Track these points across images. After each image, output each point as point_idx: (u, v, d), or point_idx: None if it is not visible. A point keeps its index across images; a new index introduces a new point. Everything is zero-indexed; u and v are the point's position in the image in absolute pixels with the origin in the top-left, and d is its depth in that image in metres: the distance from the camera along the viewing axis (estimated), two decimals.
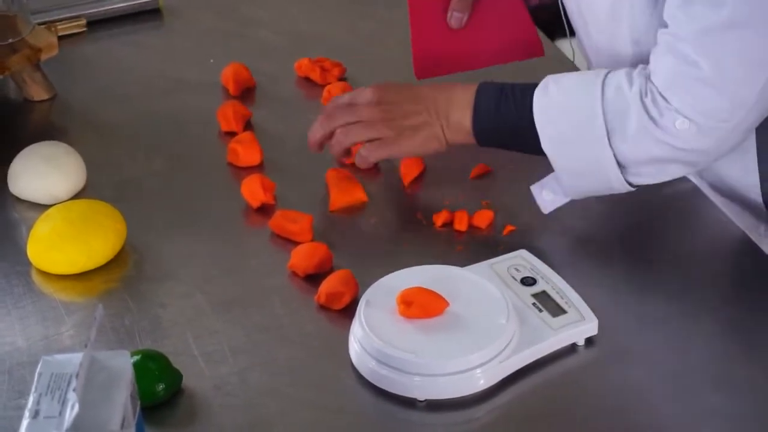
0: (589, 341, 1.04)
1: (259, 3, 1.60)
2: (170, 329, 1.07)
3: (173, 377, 0.99)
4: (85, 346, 0.83)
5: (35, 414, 0.81)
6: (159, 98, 1.41)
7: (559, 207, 1.18)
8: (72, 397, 0.80)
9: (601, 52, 1.19)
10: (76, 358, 0.84)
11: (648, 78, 1.08)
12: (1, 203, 1.24)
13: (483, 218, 1.19)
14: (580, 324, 1.04)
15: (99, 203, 1.17)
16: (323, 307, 1.09)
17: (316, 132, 1.21)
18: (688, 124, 1.06)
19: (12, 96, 1.42)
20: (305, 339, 1.06)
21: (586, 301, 1.05)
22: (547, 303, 1.05)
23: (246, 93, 1.41)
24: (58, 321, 1.08)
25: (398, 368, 0.99)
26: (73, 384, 0.81)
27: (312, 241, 1.16)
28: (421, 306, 1.01)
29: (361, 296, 1.05)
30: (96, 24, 1.55)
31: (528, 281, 1.08)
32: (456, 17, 1.26)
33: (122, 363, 0.86)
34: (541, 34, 1.49)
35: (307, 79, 1.44)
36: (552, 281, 1.07)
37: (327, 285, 1.09)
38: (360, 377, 1.01)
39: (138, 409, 0.87)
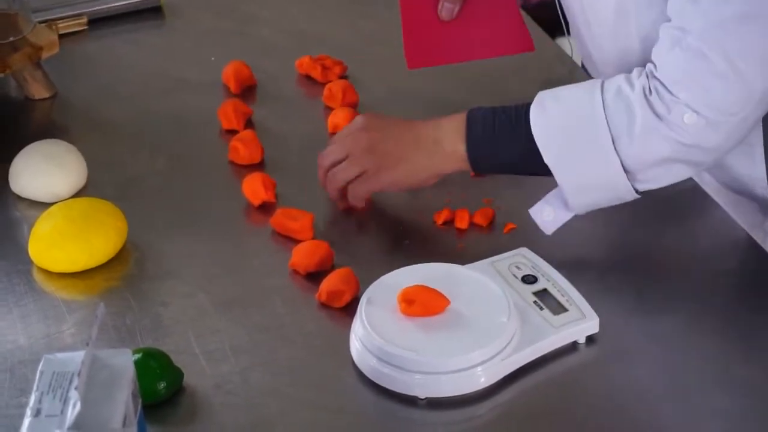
0: (590, 339, 1.05)
1: (259, 1, 1.60)
2: (171, 328, 1.07)
3: (174, 376, 0.99)
4: (87, 344, 0.83)
5: (37, 412, 0.81)
6: (160, 96, 1.41)
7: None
8: (74, 395, 0.80)
9: (606, 51, 1.18)
10: (78, 356, 0.84)
11: (651, 75, 1.08)
12: (3, 201, 1.24)
13: (484, 216, 1.19)
14: (581, 322, 1.04)
15: (100, 201, 1.17)
16: (324, 306, 1.09)
17: (320, 176, 1.20)
18: (696, 118, 1.05)
19: (13, 94, 1.42)
20: (306, 337, 1.06)
21: (587, 299, 1.05)
22: (548, 301, 1.05)
23: (247, 91, 1.41)
24: (59, 319, 1.08)
25: (399, 366, 0.99)
26: (75, 382, 0.81)
27: (313, 239, 1.16)
28: (423, 304, 1.01)
29: (362, 294, 1.05)
30: (97, 22, 1.55)
31: (529, 279, 1.08)
32: (447, 8, 1.26)
33: (124, 361, 0.86)
34: (541, 32, 1.50)
35: (308, 77, 1.44)
36: (553, 279, 1.07)
37: (328, 283, 1.09)
38: (361, 375, 1.01)
39: (139, 407, 0.88)
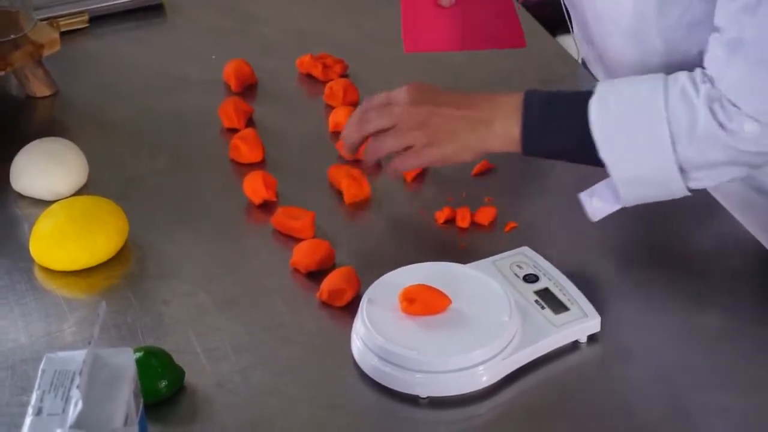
0: (592, 338, 1.05)
1: (260, 0, 1.60)
2: (172, 326, 1.07)
3: (175, 374, 0.99)
4: (89, 343, 0.83)
5: (39, 411, 0.81)
6: (161, 94, 1.41)
7: (561, 205, 1.18)
8: (75, 394, 0.80)
9: (623, 52, 1.17)
10: (80, 355, 0.84)
11: (712, 83, 1.06)
12: (4, 200, 1.24)
13: (485, 215, 1.19)
14: (582, 321, 1.04)
15: (101, 200, 1.17)
16: (325, 305, 1.09)
17: (351, 136, 1.16)
18: (757, 127, 1.04)
19: (14, 92, 1.42)
20: (307, 336, 1.06)
21: (588, 299, 1.05)
22: (549, 300, 1.05)
23: (248, 89, 1.41)
24: (60, 318, 1.08)
25: (401, 365, 0.99)
26: (77, 381, 0.81)
27: (314, 238, 1.16)
28: (424, 303, 1.01)
29: (363, 293, 1.05)
30: (98, 20, 1.55)
31: (530, 278, 1.08)
32: None
33: (125, 360, 0.86)
34: (542, 30, 1.49)
35: (309, 76, 1.44)
36: (554, 278, 1.07)
37: (329, 282, 1.09)
38: (362, 374, 1.01)
39: (141, 406, 0.88)
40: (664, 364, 1.03)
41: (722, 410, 1.00)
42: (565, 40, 1.49)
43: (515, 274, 1.08)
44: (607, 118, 1.08)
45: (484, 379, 0.99)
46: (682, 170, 1.08)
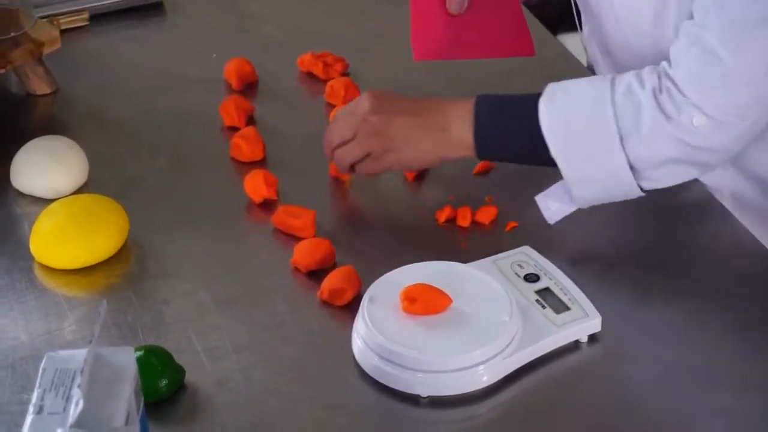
0: (593, 338, 1.04)
1: None
2: (173, 325, 1.07)
3: (176, 373, 0.99)
4: (90, 342, 0.83)
5: (39, 410, 0.81)
6: (161, 93, 1.41)
7: None
8: (76, 393, 0.80)
9: (640, 54, 1.17)
10: (81, 354, 0.84)
11: (664, 74, 1.07)
12: (4, 198, 1.24)
13: (486, 214, 1.18)
14: (583, 321, 1.04)
15: (101, 198, 1.17)
16: (326, 304, 1.08)
17: (327, 152, 1.20)
18: (705, 120, 1.05)
19: (14, 90, 1.42)
20: (308, 335, 1.06)
21: (589, 298, 1.05)
22: (550, 300, 1.05)
23: (249, 88, 1.41)
24: (60, 316, 1.08)
25: (401, 365, 0.99)
26: (78, 380, 0.81)
27: (315, 237, 1.16)
28: (425, 302, 1.01)
29: (363, 293, 1.04)
30: (98, 18, 1.54)
31: (531, 278, 1.08)
32: (456, 2, 1.26)
33: (126, 359, 0.86)
34: (544, 30, 1.49)
35: (310, 74, 1.43)
36: (555, 278, 1.07)
37: (330, 281, 1.09)
38: (363, 374, 1.01)
39: (141, 404, 0.87)
40: (665, 364, 1.03)
41: (722, 410, 1.00)
42: (565, 39, 1.49)
43: (516, 274, 1.08)
44: (555, 117, 1.09)
45: (485, 378, 0.99)
46: (634, 169, 1.08)
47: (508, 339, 1.00)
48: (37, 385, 0.83)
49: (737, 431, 0.99)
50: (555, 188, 1.13)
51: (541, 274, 1.08)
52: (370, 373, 1.00)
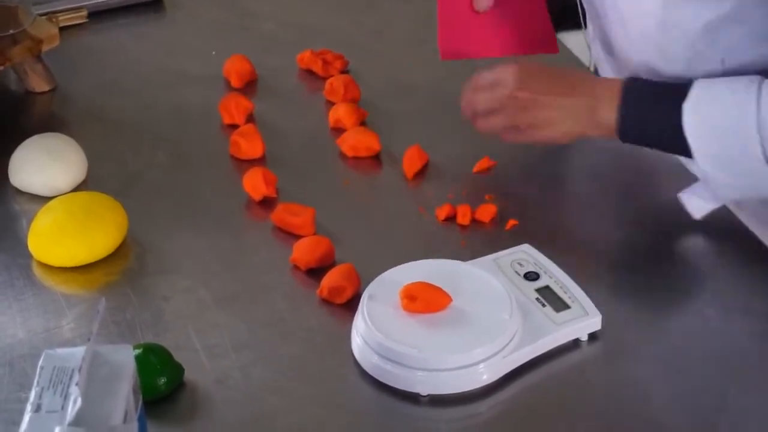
0: (593, 336, 1.04)
1: None
2: (172, 323, 1.06)
3: (175, 371, 0.99)
4: (88, 339, 0.83)
5: (37, 408, 0.81)
6: (160, 90, 1.41)
7: (563, 204, 1.17)
8: (74, 391, 0.80)
9: (644, 56, 1.18)
10: (79, 352, 0.84)
11: None
12: (2, 195, 1.23)
13: (486, 212, 1.18)
14: (583, 319, 1.03)
15: (100, 196, 1.17)
16: (325, 302, 1.08)
17: (464, 111, 1.23)
18: None
19: (13, 87, 1.42)
20: (307, 333, 1.06)
21: (589, 296, 1.05)
22: (550, 298, 1.05)
23: (248, 85, 1.41)
24: (59, 314, 1.08)
25: (401, 363, 0.98)
26: (76, 378, 0.81)
27: (314, 234, 1.15)
28: (425, 301, 1.01)
29: (363, 291, 1.04)
30: (97, 15, 1.54)
31: (531, 276, 1.07)
32: (483, 2, 1.26)
33: (124, 357, 0.85)
34: None
35: (310, 72, 1.43)
36: (555, 276, 1.07)
37: (329, 279, 1.08)
38: (362, 372, 1.01)
39: (140, 403, 0.87)
40: (665, 362, 1.03)
41: (723, 408, 1.00)
42: (567, 37, 1.48)
43: (516, 272, 1.08)
44: (699, 124, 1.10)
45: (485, 377, 0.99)
46: None
47: (508, 337, 1.00)
48: (35, 383, 0.83)
49: (738, 429, 0.98)
50: (698, 186, 1.15)
51: (541, 272, 1.08)
52: (370, 372, 1.00)
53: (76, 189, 1.23)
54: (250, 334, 1.05)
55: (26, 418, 0.80)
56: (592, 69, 1.43)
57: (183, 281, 1.11)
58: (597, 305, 1.04)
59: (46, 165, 1.22)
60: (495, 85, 1.19)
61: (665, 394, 1.00)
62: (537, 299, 1.05)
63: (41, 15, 1.42)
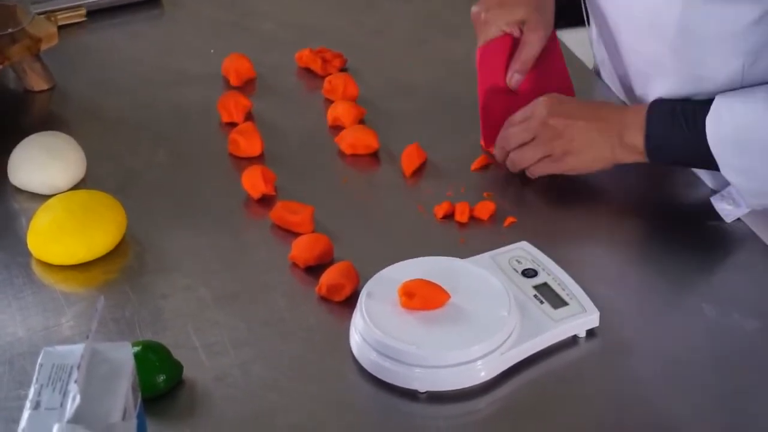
0: (591, 333, 1.04)
1: None
2: (171, 321, 1.07)
3: (174, 369, 0.99)
4: (87, 337, 0.83)
5: (36, 405, 0.81)
6: (159, 89, 1.41)
7: (561, 201, 1.17)
8: (73, 388, 0.80)
9: (659, 60, 1.18)
10: (78, 349, 0.84)
11: None
12: (1, 194, 1.24)
13: (484, 210, 1.18)
14: (581, 316, 1.04)
15: (99, 194, 1.17)
16: (324, 299, 1.08)
17: (499, 155, 1.24)
18: None
19: (12, 86, 1.42)
20: (306, 331, 1.06)
21: (587, 293, 1.05)
22: (548, 295, 1.05)
23: (247, 84, 1.41)
24: (58, 312, 1.08)
25: (399, 360, 0.99)
26: (75, 375, 0.81)
27: (313, 232, 1.16)
28: (423, 298, 1.01)
29: (362, 288, 1.04)
30: (96, 14, 1.54)
31: (529, 273, 1.07)
32: (516, 79, 1.27)
33: (123, 354, 0.86)
34: None
35: (308, 70, 1.43)
36: (553, 273, 1.07)
37: (328, 276, 1.09)
38: (361, 369, 1.01)
39: (139, 400, 0.87)
40: (663, 359, 1.03)
41: (721, 405, 1.00)
42: (564, 36, 1.48)
43: (514, 269, 1.08)
44: (723, 136, 1.12)
45: (483, 373, 0.99)
46: None
47: (507, 334, 1.00)
48: (35, 380, 0.83)
49: (736, 426, 0.98)
50: (728, 192, 1.16)
51: (539, 269, 1.08)
52: (368, 369, 1.00)
53: (75, 187, 1.23)
54: (249, 331, 1.05)
55: (25, 415, 0.80)
56: (593, 69, 1.43)
57: (182, 279, 1.12)
58: (595, 302, 1.04)
59: (45, 163, 1.22)
60: (527, 119, 1.21)
61: (663, 390, 1.00)
62: (535, 296, 1.05)
63: (40, 14, 1.42)
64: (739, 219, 1.18)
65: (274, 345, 1.04)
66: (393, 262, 1.06)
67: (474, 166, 1.26)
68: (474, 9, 1.27)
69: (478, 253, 1.10)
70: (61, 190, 1.22)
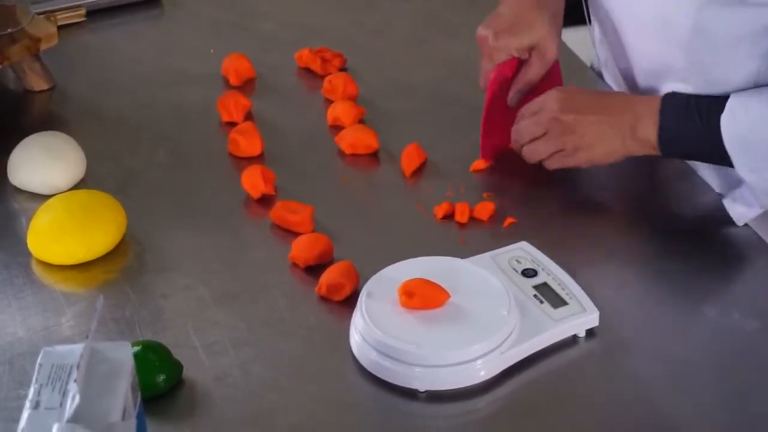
0: (590, 333, 1.04)
1: None
2: (171, 320, 1.07)
3: (173, 368, 0.99)
4: (86, 337, 0.83)
5: (36, 405, 0.81)
6: (159, 88, 1.41)
7: (559, 200, 1.17)
8: (73, 388, 0.80)
9: (668, 62, 1.18)
10: (77, 349, 0.84)
11: None
12: (1, 194, 1.24)
13: (484, 210, 1.18)
14: (581, 315, 1.04)
15: (99, 194, 1.17)
16: (324, 299, 1.08)
17: (515, 147, 1.23)
18: None
19: (11, 86, 1.42)
20: (306, 330, 1.06)
21: (587, 293, 1.05)
22: (548, 294, 1.05)
23: (246, 84, 1.41)
24: (58, 312, 1.08)
25: (399, 359, 0.99)
26: (74, 375, 0.81)
27: (313, 232, 1.16)
28: (423, 297, 1.01)
29: (362, 288, 1.04)
30: (95, 14, 1.54)
31: (529, 273, 1.07)
32: (517, 98, 1.26)
33: (123, 354, 0.86)
34: None
35: (308, 70, 1.43)
36: (553, 273, 1.07)
37: (328, 276, 1.09)
38: (361, 368, 1.01)
39: (139, 400, 0.87)
40: (663, 359, 1.03)
41: (721, 405, 1.00)
42: (564, 35, 1.48)
43: (514, 269, 1.08)
44: (737, 135, 1.11)
45: (483, 373, 0.99)
46: None
47: (506, 334, 1.00)
48: (34, 380, 0.83)
49: (736, 426, 0.98)
50: (742, 192, 1.16)
51: (538, 269, 1.08)
52: (368, 368, 1.00)
53: (75, 187, 1.23)
54: (249, 331, 1.06)
55: (25, 415, 0.80)
56: (594, 69, 1.43)
57: (182, 279, 1.12)
58: (594, 302, 1.04)
59: (44, 163, 1.22)
60: (538, 112, 1.20)
61: (663, 390, 1.00)
62: (535, 296, 1.05)
63: (39, 14, 1.42)
64: (748, 226, 1.18)
65: (274, 345, 1.04)
66: (393, 262, 1.06)
67: (473, 166, 1.25)
68: (481, 32, 1.24)
69: (478, 253, 1.10)
70: (61, 190, 1.22)
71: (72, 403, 0.79)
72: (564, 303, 1.04)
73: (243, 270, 1.13)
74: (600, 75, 1.40)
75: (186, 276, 1.12)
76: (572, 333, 1.04)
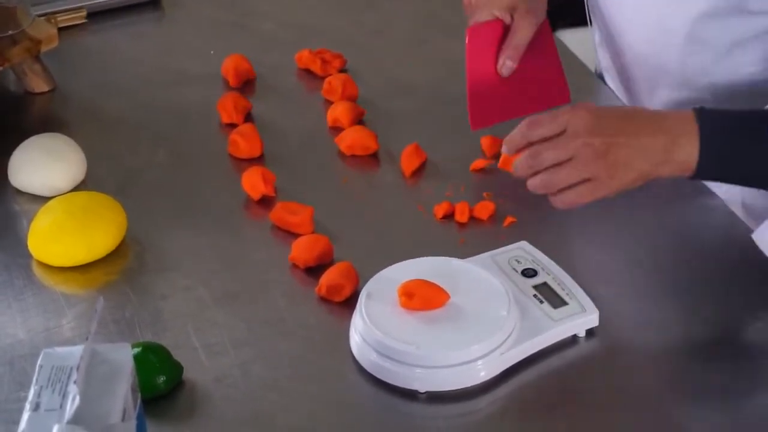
0: (590, 333, 1.04)
1: None
2: (171, 321, 1.07)
3: (174, 370, 0.99)
4: (86, 338, 0.83)
5: (36, 407, 0.81)
6: (159, 90, 1.41)
7: None
8: (73, 389, 0.80)
9: (664, 67, 1.16)
10: (77, 350, 0.84)
11: None
12: (2, 195, 1.24)
13: (484, 210, 1.18)
14: (581, 315, 1.04)
15: (100, 195, 1.17)
16: (324, 300, 1.08)
17: (522, 169, 1.08)
18: None
19: (12, 88, 1.42)
20: (306, 331, 1.06)
21: (587, 293, 1.05)
22: (548, 294, 1.05)
23: (246, 85, 1.41)
24: (58, 313, 1.08)
25: (399, 360, 0.99)
26: (74, 376, 0.81)
27: (313, 233, 1.16)
28: (423, 298, 1.01)
29: (361, 288, 1.04)
30: (96, 15, 1.54)
31: (529, 273, 1.07)
32: (508, 66, 1.21)
33: (123, 355, 0.86)
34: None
35: (308, 71, 1.43)
36: (553, 273, 1.07)
37: (328, 277, 1.09)
38: (361, 369, 1.01)
39: (139, 401, 0.87)
40: (663, 358, 1.03)
41: (721, 405, 1.00)
42: (564, 36, 1.48)
43: (514, 269, 1.08)
44: None
45: (483, 373, 0.99)
46: None
47: (506, 334, 1.00)
48: (34, 381, 0.83)
49: (736, 426, 0.98)
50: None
51: (538, 269, 1.08)
52: (368, 369, 1.00)
53: (76, 189, 1.23)
54: (249, 332, 1.06)
55: (25, 416, 0.80)
56: (594, 70, 1.43)
57: (182, 280, 1.12)
58: (594, 302, 1.04)
59: (45, 165, 1.22)
60: (562, 135, 1.05)
61: (662, 390, 1.00)
62: (535, 296, 1.05)
63: (40, 15, 1.42)
64: (737, 217, 1.18)
65: (274, 345, 1.04)
66: (393, 262, 1.06)
67: (473, 166, 1.26)
68: None
69: (478, 253, 1.10)
70: (62, 191, 1.22)
71: (72, 404, 0.80)
72: (564, 303, 1.04)
73: (243, 271, 1.13)
74: (601, 77, 1.40)
75: (186, 277, 1.12)
76: (572, 333, 1.04)
